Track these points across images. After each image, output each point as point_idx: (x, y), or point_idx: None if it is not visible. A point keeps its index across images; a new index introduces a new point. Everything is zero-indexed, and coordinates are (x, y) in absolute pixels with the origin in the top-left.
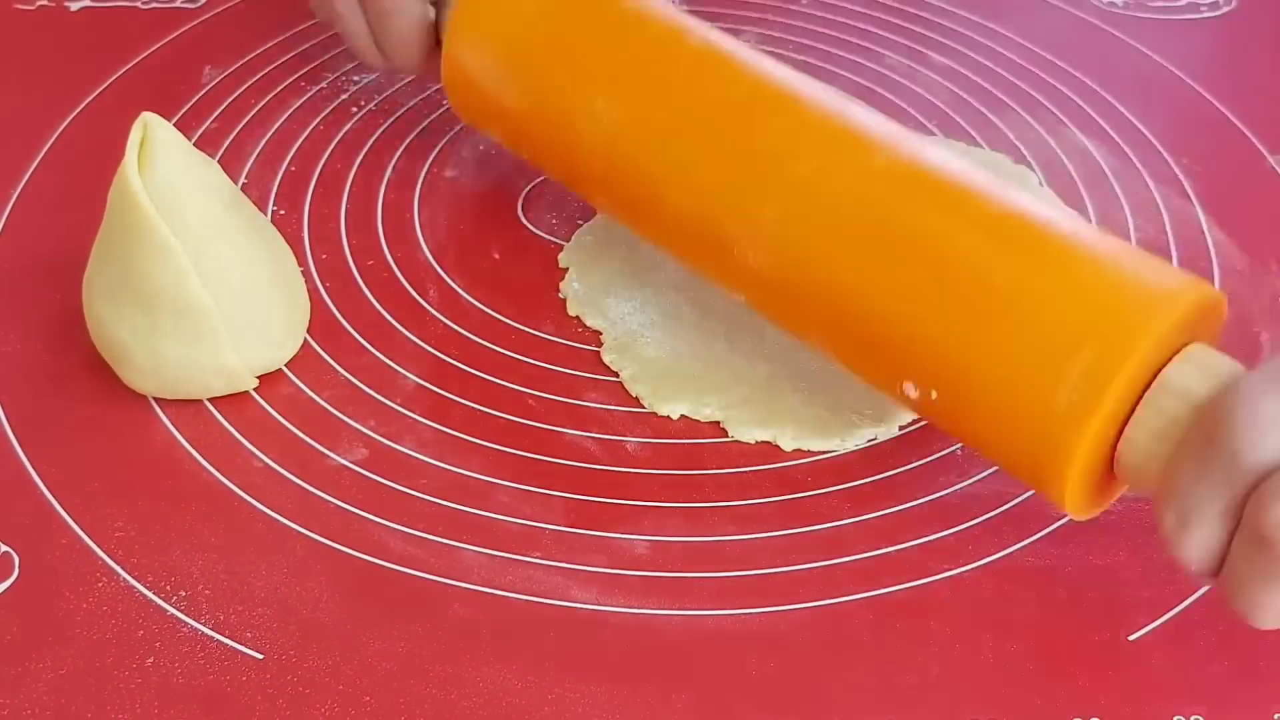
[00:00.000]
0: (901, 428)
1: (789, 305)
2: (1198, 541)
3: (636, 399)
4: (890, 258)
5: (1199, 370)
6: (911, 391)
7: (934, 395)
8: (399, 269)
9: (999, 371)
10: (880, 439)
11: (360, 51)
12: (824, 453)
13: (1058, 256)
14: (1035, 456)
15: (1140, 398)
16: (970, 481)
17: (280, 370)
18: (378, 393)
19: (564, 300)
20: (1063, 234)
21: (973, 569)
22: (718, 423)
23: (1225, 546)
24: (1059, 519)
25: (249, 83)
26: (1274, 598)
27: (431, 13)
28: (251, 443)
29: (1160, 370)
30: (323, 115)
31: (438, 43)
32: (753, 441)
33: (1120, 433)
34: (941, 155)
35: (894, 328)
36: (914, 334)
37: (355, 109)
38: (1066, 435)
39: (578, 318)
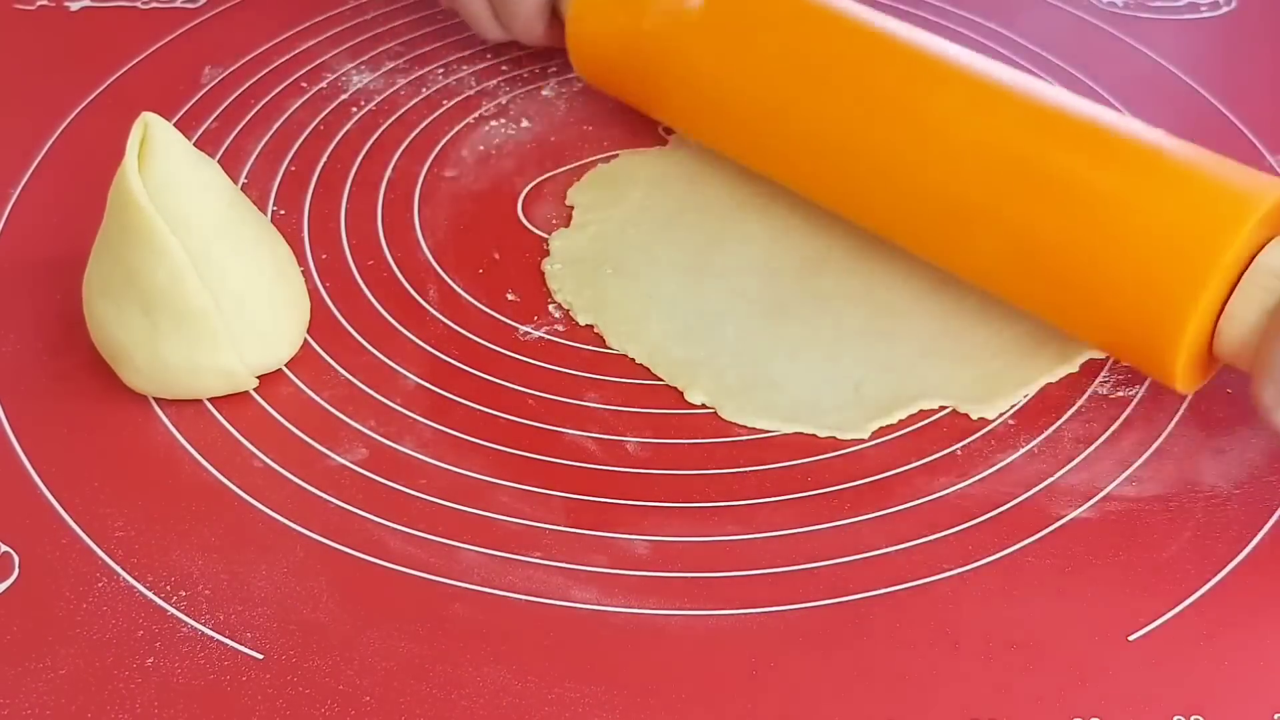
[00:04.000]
0: (873, 434)
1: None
2: None
3: (632, 400)
4: (1030, 185)
5: None
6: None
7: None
8: (399, 269)
9: (1120, 266)
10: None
11: (481, 26)
12: (820, 454)
13: (1163, 169)
14: (1148, 338)
15: (1237, 283)
16: (970, 481)
17: (280, 370)
18: (378, 393)
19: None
20: (1167, 150)
21: (973, 569)
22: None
23: None
24: (1059, 519)
25: (249, 83)
26: None
27: None
28: (251, 443)
29: (1254, 257)
30: (323, 115)
31: (554, 15)
32: (698, 403)
33: (1220, 313)
34: (1062, 96)
35: (1026, 238)
36: (1046, 243)
37: (355, 109)
38: (1179, 312)
39: (569, 312)
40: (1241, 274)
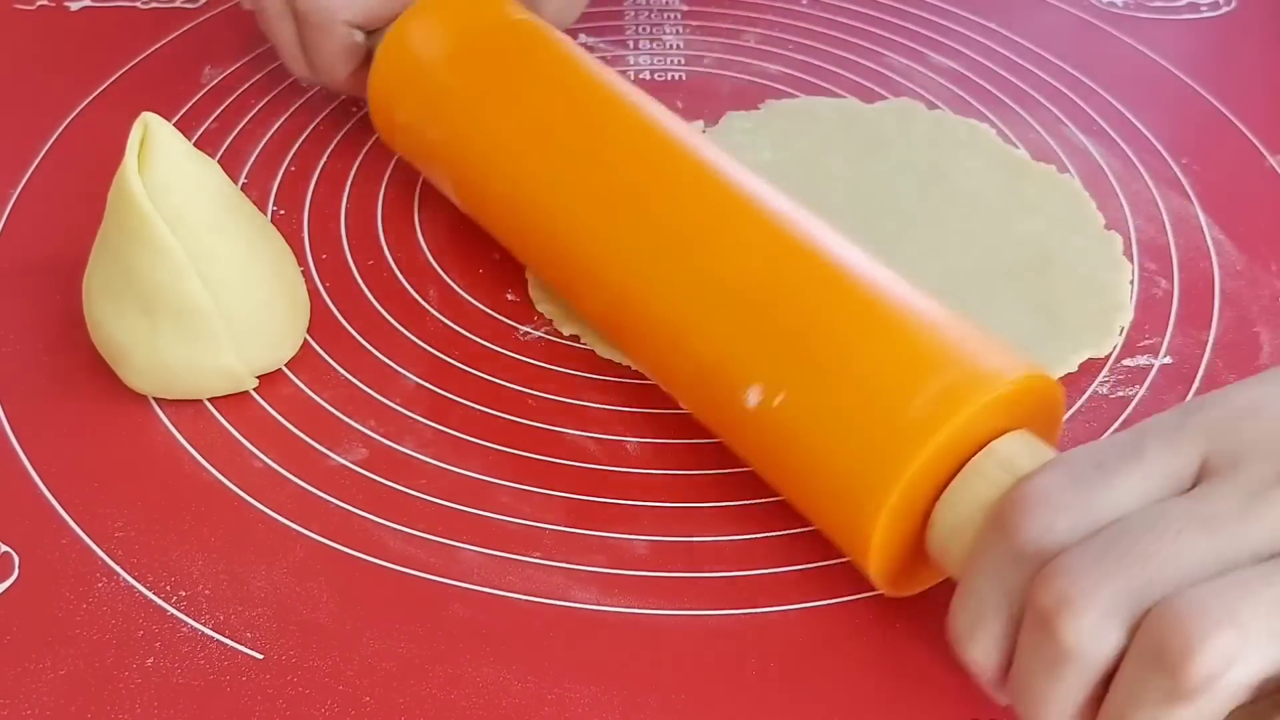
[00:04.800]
0: None
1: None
2: (987, 640)
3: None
4: (759, 323)
5: (1023, 447)
6: (754, 397)
7: (778, 401)
8: (399, 269)
9: (831, 425)
10: None
11: (288, 61)
12: None
13: (908, 329)
14: (849, 507)
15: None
16: None
17: (280, 370)
18: (378, 393)
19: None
20: (922, 312)
21: None
22: None
23: (1012, 648)
24: None
25: (249, 83)
26: (1057, 694)
27: (359, 35)
28: (251, 443)
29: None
30: (323, 115)
31: (368, 62)
32: None
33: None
34: (829, 239)
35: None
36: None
37: (355, 109)
38: (879, 484)
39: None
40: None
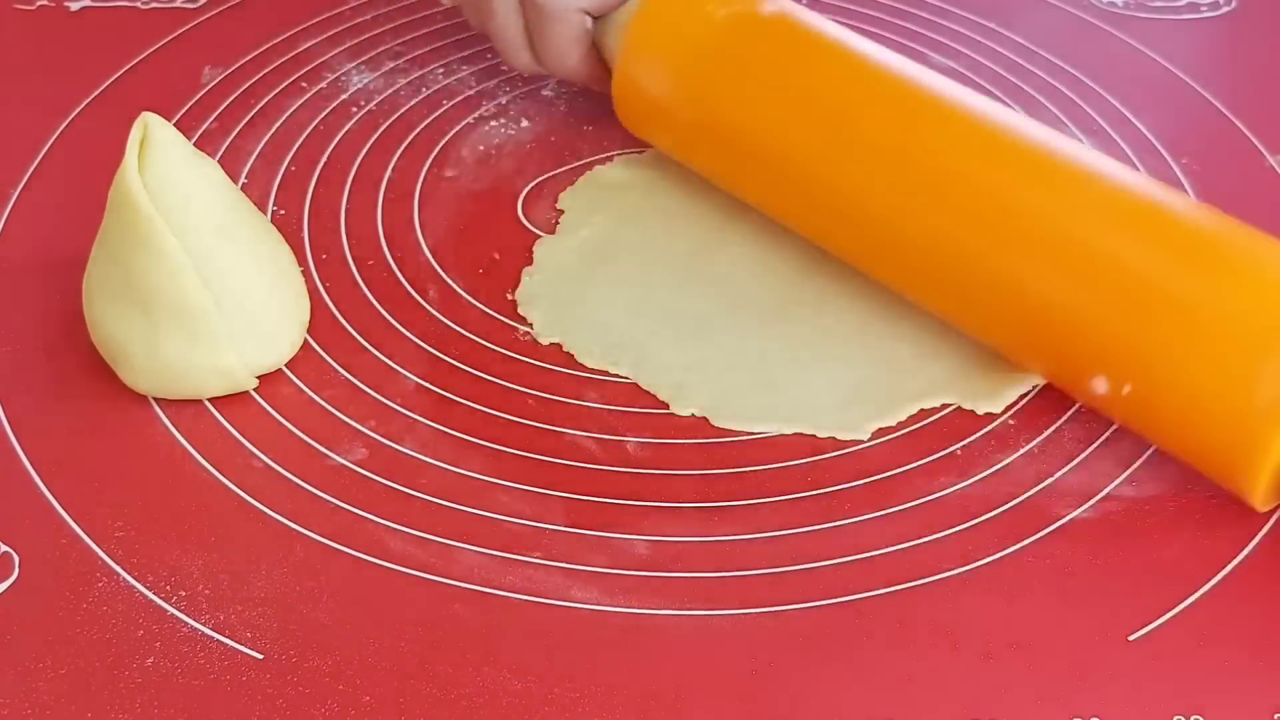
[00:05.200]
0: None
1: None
2: None
3: (632, 394)
4: (1093, 271)
5: None
6: (1101, 387)
7: (1126, 390)
8: (399, 269)
9: (1197, 367)
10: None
11: (510, 52)
12: (820, 454)
13: (1255, 265)
14: (1230, 450)
15: None
16: (970, 481)
17: (280, 370)
18: (378, 393)
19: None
20: (1259, 244)
21: (972, 569)
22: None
23: None
24: (1059, 519)
25: (249, 83)
26: None
27: (590, 21)
28: (251, 443)
29: None
30: (323, 115)
31: (590, 47)
32: (686, 414)
33: None
34: (1121, 171)
35: (1091, 329)
36: (1113, 335)
37: (355, 109)
38: (1264, 429)
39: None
40: None
